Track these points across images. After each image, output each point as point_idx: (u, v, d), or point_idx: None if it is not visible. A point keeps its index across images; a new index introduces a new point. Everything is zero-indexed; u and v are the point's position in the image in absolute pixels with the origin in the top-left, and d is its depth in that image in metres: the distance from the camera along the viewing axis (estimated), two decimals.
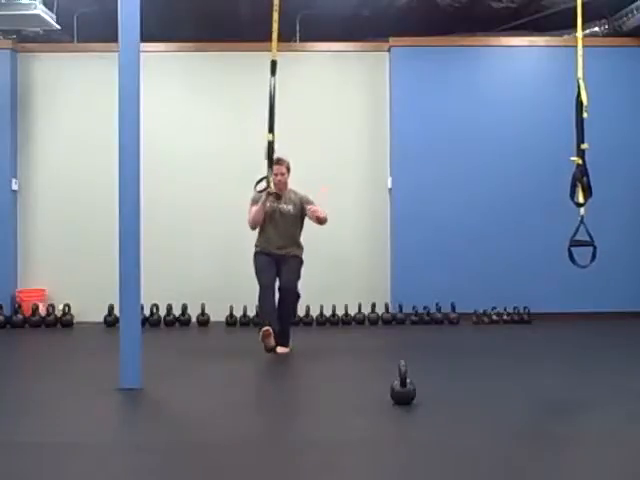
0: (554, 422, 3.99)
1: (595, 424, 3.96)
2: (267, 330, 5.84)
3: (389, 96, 8.33)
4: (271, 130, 6.00)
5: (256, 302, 6.17)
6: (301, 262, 6.28)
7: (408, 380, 4.21)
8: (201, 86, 8.43)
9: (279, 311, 6.06)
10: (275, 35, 5.94)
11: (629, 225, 8.29)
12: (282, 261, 6.19)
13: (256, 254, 6.28)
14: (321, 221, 6.18)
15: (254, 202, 6.20)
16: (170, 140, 8.27)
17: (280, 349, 6.03)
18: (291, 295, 6.16)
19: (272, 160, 6.05)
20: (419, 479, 3.12)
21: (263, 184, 6.09)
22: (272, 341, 5.88)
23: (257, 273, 6.23)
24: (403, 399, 4.22)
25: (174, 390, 4.73)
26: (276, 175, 6.16)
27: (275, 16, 5.88)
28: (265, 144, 6.03)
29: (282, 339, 6.07)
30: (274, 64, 6.01)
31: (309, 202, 6.28)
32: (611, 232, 7.82)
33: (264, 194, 6.08)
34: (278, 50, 6.08)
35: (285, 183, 6.25)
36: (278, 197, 6.15)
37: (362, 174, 8.42)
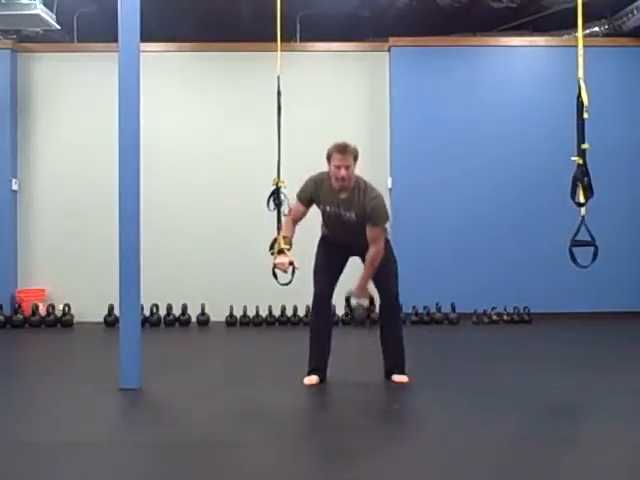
0: (554, 422, 3.99)
1: (595, 424, 3.95)
2: (310, 381, 4.76)
3: (389, 96, 8.33)
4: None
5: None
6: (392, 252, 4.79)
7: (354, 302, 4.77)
8: (201, 86, 8.43)
9: (382, 333, 4.80)
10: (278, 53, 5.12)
11: (629, 225, 8.29)
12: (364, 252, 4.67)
13: (323, 238, 4.88)
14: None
15: (298, 200, 4.85)
16: (170, 140, 8.28)
17: (397, 378, 4.76)
18: (393, 308, 4.85)
19: (279, 209, 5.20)
20: (419, 479, 3.12)
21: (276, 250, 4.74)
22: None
23: (315, 270, 4.81)
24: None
25: (174, 390, 4.73)
26: (338, 168, 4.60)
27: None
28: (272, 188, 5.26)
29: (397, 367, 4.78)
30: (278, 95, 5.46)
31: (371, 217, 4.67)
32: (611, 232, 7.79)
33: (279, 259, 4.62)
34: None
35: (350, 179, 4.65)
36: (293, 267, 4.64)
37: (362, 174, 8.36)
